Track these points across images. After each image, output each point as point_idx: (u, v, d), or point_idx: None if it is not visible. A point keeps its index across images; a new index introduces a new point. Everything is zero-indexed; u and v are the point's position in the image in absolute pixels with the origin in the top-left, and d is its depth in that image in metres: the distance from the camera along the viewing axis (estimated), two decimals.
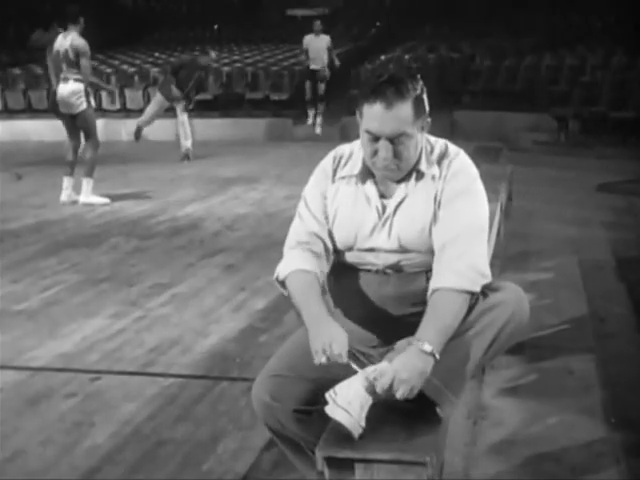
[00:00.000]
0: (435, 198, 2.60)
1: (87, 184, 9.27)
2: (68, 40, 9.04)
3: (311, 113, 16.23)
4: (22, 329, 4.88)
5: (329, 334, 2.42)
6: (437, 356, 2.36)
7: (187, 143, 13.39)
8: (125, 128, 16.30)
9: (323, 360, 2.38)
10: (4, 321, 5.04)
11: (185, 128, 13.36)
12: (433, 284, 2.53)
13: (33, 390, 3.96)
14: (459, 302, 2.48)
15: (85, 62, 9.05)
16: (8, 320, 5.06)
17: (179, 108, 13.32)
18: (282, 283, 2.71)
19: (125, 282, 5.90)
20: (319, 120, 16.05)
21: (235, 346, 4.51)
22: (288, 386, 2.55)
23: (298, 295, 2.61)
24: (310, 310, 2.54)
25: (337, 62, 15.86)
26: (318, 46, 15.60)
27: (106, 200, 9.30)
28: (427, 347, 2.35)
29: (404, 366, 2.32)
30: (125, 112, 18.15)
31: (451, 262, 2.53)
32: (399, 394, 2.30)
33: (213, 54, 15.76)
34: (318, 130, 15.89)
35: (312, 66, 15.70)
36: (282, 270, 2.70)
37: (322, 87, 15.89)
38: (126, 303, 5.37)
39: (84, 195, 9.24)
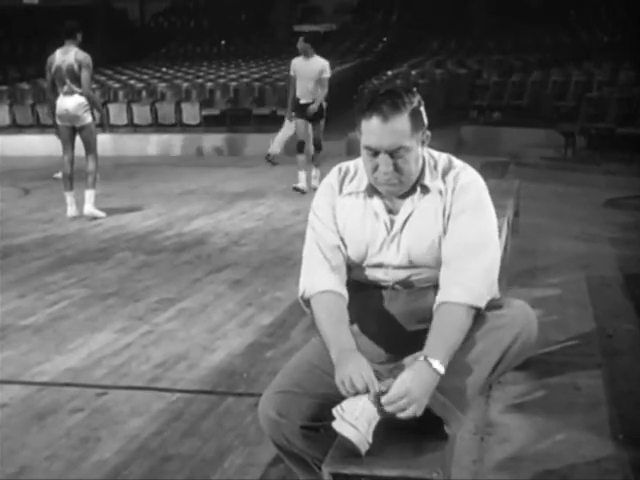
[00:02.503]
0: (444, 212, 2.60)
1: (90, 196, 9.29)
2: (71, 54, 9.07)
3: (302, 167, 11.21)
4: (29, 344, 4.89)
5: (357, 365, 2.40)
6: (443, 372, 2.36)
7: (277, 149, 14.15)
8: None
9: (352, 390, 2.36)
10: (11, 336, 5.05)
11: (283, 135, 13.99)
12: (439, 297, 2.53)
13: (40, 405, 3.95)
14: (464, 317, 2.48)
15: (86, 74, 9.06)
16: (15, 335, 5.06)
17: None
18: (306, 301, 2.68)
19: (132, 297, 5.90)
20: (315, 172, 11.24)
21: (241, 362, 4.50)
22: (295, 402, 2.54)
23: (326, 322, 2.57)
24: (339, 341, 2.51)
25: (323, 101, 11.10)
26: (307, 72, 10.97)
27: (103, 214, 9.34)
28: (435, 363, 2.35)
29: (412, 382, 2.32)
30: (132, 127, 18.22)
31: (457, 276, 2.52)
32: (408, 411, 2.29)
33: None
34: (315, 183, 10.89)
35: (301, 100, 11.10)
36: (308, 289, 2.66)
37: (316, 128, 11.29)
38: (133, 318, 5.38)
39: (88, 206, 9.25)
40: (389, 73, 19.53)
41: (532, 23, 22.64)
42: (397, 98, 2.52)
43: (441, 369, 2.35)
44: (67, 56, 9.09)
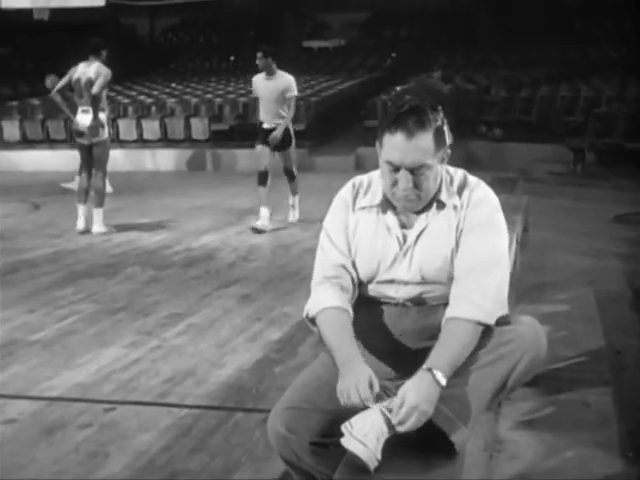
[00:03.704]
0: (457, 227, 2.60)
1: (98, 214, 9.33)
2: (92, 68, 9.13)
3: (265, 202, 9.52)
4: (38, 359, 4.89)
5: (357, 376, 2.41)
6: (444, 384, 2.37)
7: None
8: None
9: (349, 402, 2.37)
10: (20, 351, 5.05)
11: None
12: (448, 313, 2.53)
13: (48, 420, 3.96)
14: (471, 332, 2.48)
15: (101, 80, 9.08)
16: (24, 350, 5.07)
17: None
18: (312, 320, 2.70)
19: (141, 312, 5.91)
20: (293, 201, 10.15)
21: (250, 377, 4.50)
22: (304, 418, 2.54)
23: (330, 335, 2.59)
24: (342, 352, 2.52)
25: (290, 124, 9.62)
26: (269, 92, 9.42)
27: (112, 229, 9.37)
28: (438, 374, 2.36)
29: (420, 397, 2.32)
30: (142, 142, 18.28)
31: (467, 292, 2.53)
32: (411, 422, 2.30)
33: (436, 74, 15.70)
34: (293, 215, 10.04)
35: (264, 124, 9.54)
36: (312, 308, 2.68)
37: (285, 156, 9.78)
38: (142, 333, 5.38)
39: (96, 226, 9.29)
40: (398, 88, 19.55)
41: (540, 38, 22.68)
42: (423, 115, 2.51)
43: (443, 381, 2.36)
44: (88, 69, 9.17)
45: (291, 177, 10.01)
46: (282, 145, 9.57)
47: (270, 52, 9.42)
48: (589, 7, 23.82)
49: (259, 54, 9.38)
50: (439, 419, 2.37)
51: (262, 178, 9.49)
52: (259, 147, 9.57)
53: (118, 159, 14.50)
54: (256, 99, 9.83)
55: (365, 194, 2.73)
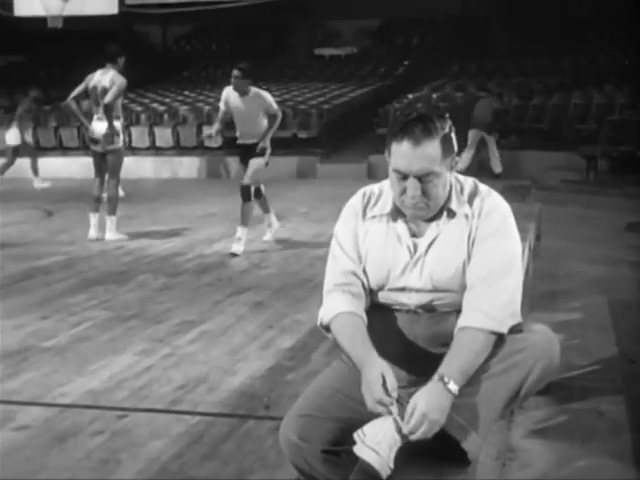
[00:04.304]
0: (469, 237, 2.60)
1: (111, 222, 9.37)
2: (107, 76, 9.16)
3: (242, 230, 8.53)
4: (51, 365, 4.90)
5: (375, 374, 2.42)
6: (456, 392, 2.37)
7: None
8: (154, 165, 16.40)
9: (373, 402, 2.37)
10: (33, 357, 5.07)
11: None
12: (460, 322, 2.54)
13: (61, 427, 3.96)
14: (483, 341, 2.48)
15: (115, 89, 9.11)
16: (37, 356, 5.09)
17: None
18: (326, 328, 2.70)
19: (153, 319, 5.92)
20: (272, 222, 9.30)
21: (262, 384, 4.50)
22: (316, 426, 2.55)
23: (346, 340, 2.60)
24: (357, 353, 2.53)
25: (267, 144, 8.72)
26: (246, 113, 8.61)
27: (124, 236, 9.40)
28: (449, 383, 2.36)
29: (431, 405, 2.32)
30: (154, 150, 18.33)
31: (479, 301, 2.53)
32: (427, 433, 2.30)
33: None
34: (269, 234, 9.26)
35: (240, 139, 8.83)
36: (325, 315, 2.69)
37: (249, 168, 8.65)
38: (154, 340, 5.39)
39: (109, 233, 9.33)
40: (410, 96, 19.57)
41: (552, 46, 22.66)
42: (430, 123, 2.53)
43: (455, 389, 2.36)
44: (104, 77, 9.20)
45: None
46: (251, 154, 8.60)
47: (249, 73, 8.56)
48: (601, 15, 23.79)
49: (236, 72, 8.45)
50: (451, 427, 2.37)
51: (246, 193, 8.62)
52: (240, 167, 8.94)
53: (130, 166, 14.52)
54: (223, 112, 8.93)
55: (376, 203, 2.73)
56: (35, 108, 16.75)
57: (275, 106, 8.79)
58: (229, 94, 8.70)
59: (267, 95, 8.81)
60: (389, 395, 2.37)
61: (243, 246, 8.43)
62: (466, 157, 14.57)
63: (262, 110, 8.63)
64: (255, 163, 8.61)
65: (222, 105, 8.89)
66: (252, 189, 8.58)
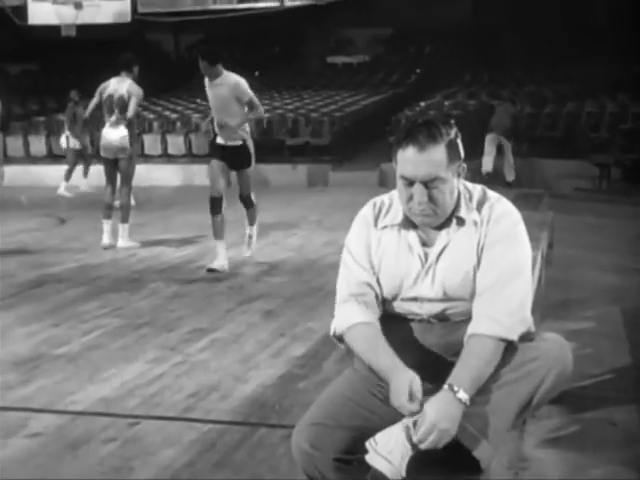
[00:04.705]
0: (478, 243, 2.60)
1: (123, 230, 9.39)
2: (124, 85, 9.20)
3: (219, 235, 8.01)
4: (62, 373, 4.91)
5: (407, 382, 2.42)
6: (467, 401, 2.36)
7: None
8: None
9: (406, 412, 2.38)
10: (45, 365, 5.08)
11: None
12: (470, 329, 2.53)
13: (73, 434, 3.97)
14: (492, 349, 2.48)
15: (134, 101, 9.17)
16: (49, 364, 5.09)
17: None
18: (339, 338, 2.70)
19: (165, 327, 5.92)
20: (251, 232, 8.55)
21: (274, 393, 4.49)
22: (328, 434, 2.54)
23: (366, 350, 2.60)
24: (384, 363, 2.53)
25: (248, 138, 7.97)
26: (216, 100, 7.79)
27: (136, 244, 9.43)
28: (460, 392, 2.35)
29: (441, 414, 2.32)
30: (167, 157, 18.37)
31: (488, 308, 2.52)
32: (434, 440, 2.29)
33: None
34: (247, 251, 8.52)
35: (219, 139, 7.90)
36: (339, 325, 2.68)
37: (242, 178, 8.18)
38: (166, 348, 5.39)
39: (121, 240, 9.35)
40: (422, 104, 19.58)
41: (565, 55, 22.62)
42: (434, 128, 2.53)
43: (466, 398, 2.36)
44: (120, 86, 9.22)
45: (248, 204, 8.34)
46: (239, 162, 7.94)
47: (208, 54, 7.65)
48: (614, 24, 23.74)
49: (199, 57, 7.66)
50: (463, 436, 2.36)
51: (216, 205, 7.88)
52: (214, 165, 7.94)
53: (143, 174, 14.57)
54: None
55: (387, 213, 2.73)
56: (81, 111, 16.65)
57: (249, 94, 7.70)
58: (206, 83, 7.90)
59: (240, 80, 7.69)
60: (415, 401, 2.38)
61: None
62: (488, 161, 14.57)
63: (233, 97, 7.61)
64: (247, 174, 8.15)
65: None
66: (253, 195, 8.37)
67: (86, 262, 8.63)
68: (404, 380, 2.43)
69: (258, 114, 8.00)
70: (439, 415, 2.31)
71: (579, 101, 17.98)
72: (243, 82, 7.68)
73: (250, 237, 8.51)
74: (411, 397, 2.39)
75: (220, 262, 7.86)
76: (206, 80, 7.80)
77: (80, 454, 3.74)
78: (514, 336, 2.52)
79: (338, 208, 12.09)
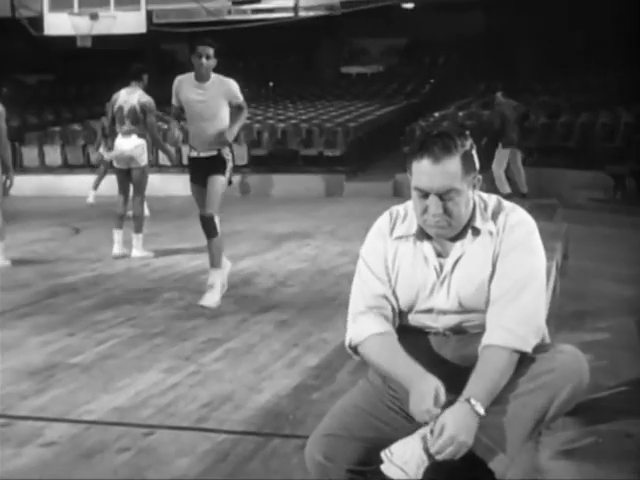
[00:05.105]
0: (493, 253, 2.59)
1: (137, 239, 9.42)
2: (135, 96, 9.26)
3: (215, 273, 6.86)
4: (77, 382, 4.92)
5: (432, 388, 2.42)
6: (483, 413, 2.36)
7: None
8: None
9: (425, 415, 2.37)
10: (60, 374, 5.09)
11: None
12: (484, 340, 2.52)
13: (87, 444, 3.97)
14: (506, 360, 2.47)
15: (152, 119, 9.27)
16: (64, 373, 5.11)
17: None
18: (354, 349, 2.69)
19: (179, 337, 5.93)
20: (211, 285, 6.78)
21: (288, 403, 4.49)
22: (342, 446, 2.54)
23: (385, 360, 2.58)
24: (405, 372, 2.52)
25: (228, 154, 6.80)
26: (203, 106, 6.71)
27: (150, 254, 9.44)
28: (478, 407, 2.35)
29: (459, 426, 2.31)
30: (180, 168, 18.40)
31: (501, 317, 2.52)
32: (454, 454, 2.29)
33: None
34: (211, 303, 6.65)
35: (196, 150, 6.82)
36: (355, 336, 2.67)
37: (208, 190, 6.68)
38: (180, 358, 5.40)
39: (135, 250, 9.38)
40: (436, 115, 19.57)
41: (579, 66, 22.58)
42: (449, 140, 2.53)
43: (481, 410, 2.35)
44: (131, 97, 9.29)
45: (210, 230, 6.70)
46: (210, 170, 6.68)
47: (214, 46, 6.79)
48: (629, 34, 23.69)
49: (209, 49, 6.70)
50: (478, 448, 2.35)
51: (208, 225, 6.81)
52: (193, 190, 6.95)
53: (157, 184, 14.61)
54: (177, 110, 6.97)
55: (402, 224, 2.73)
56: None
57: (241, 96, 6.87)
58: (182, 82, 6.83)
59: (233, 82, 6.89)
60: (439, 407, 2.37)
61: (220, 294, 6.74)
62: (499, 181, 14.33)
63: (226, 101, 6.74)
64: (216, 183, 6.66)
65: (174, 100, 6.88)
66: (217, 219, 6.72)
67: (100, 272, 8.66)
68: (429, 385, 2.42)
69: (243, 116, 6.96)
70: (457, 427, 2.31)
71: (594, 111, 17.94)
72: (235, 83, 6.90)
73: (212, 287, 6.69)
74: (436, 402, 2.38)
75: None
76: (185, 81, 6.77)
77: (94, 463, 3.75)
78: (528, 348, 2.51)
79: (352, 218, 12.10)
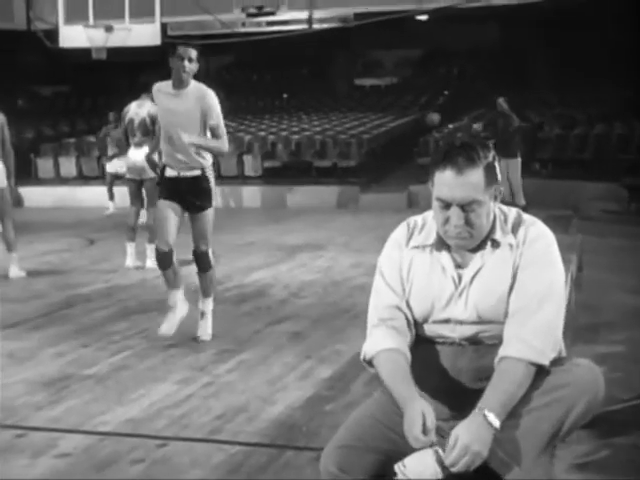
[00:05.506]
0: (513, 265, 2.59)
1: (151, 250, 9.40)
2: (144, 109, 9.31)
3: (174, 298, 6.12)
4: (91, 394, 4.94)
5: (418, 414, 2.40)
6: (498, 425, 2.35)
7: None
8: None
9: (418, 444, 2.36)
10: (74, 385, 5.10)
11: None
12: (501, 352, 2.52)
13: (101, 455, 3.98)
14: (523, 373, 2.47)
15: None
16: (78, 384, 5.12)
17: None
18: (369, 362, 2.70)
19: (192, 348, 5.94)
20: (203, 312, 6.21)
21: (301, 415, 4.49)
22: (356, 457, 2.53)
23: (387, 377, 2.60)
24: (400, 392, 2.53)
25: (209, 170, 5.99)
26: (179, 116, 5.81)
27: None
28: (490, 416, 2.34)
29: (473, 437, 2.31)
30: None
31: (519, 329, 2.51)
32: (469, 465, 2.28)
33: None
34: (206, 337, 6.13)
35: (169, 171, 5.93)
36: (368, 350, 2.69)
37: (199, 223, 6.05)
38: (193, 369, 5.40)
39: (149, 261, 9.39)
40: (450, 126, 19.56)
41: (594, 76, 22.54)
42: (472, 151, 2.53)
43: (496, 422, 2.35)
44: (141, 109, 9.35)
45: (204, 265, 6.17)
46: (196, 201, 5.92)
47: (194, 51, 5.90)
48: None
49: (192, 51, 5.86)
50: (494, 461, 2.35)
51: (165, 260, 6.02)
52: (162, 207, 5.93)
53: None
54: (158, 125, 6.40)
55: (419, 234, 2.73)
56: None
57: (219, 118, 5.95)
58: (159, 90, 5.98)
59: (214, 96, 5.95)
60: (428, 433, 2.36)
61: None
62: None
63: (201, 114, 5.84)
64: (206, 217, 6.02)
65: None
66: (211, 253, 6.20)
67: (115, 283, 8.68)
68: (416, 410, 2.41)
69: (219, 146, 5.99)
70: (471, 438, 2.30)
71: (608, 123, 17.90)
72: (216, 98, 5.94)
73: (203, 315, 6.17)
74: (424, 429, 2.37)
75: (166, 326, 5.98)
76: (162, 89, 5.95)
77: (108, 474, 3.76)
78: (545, 361, 2.50)
79: (366, 230, 12.10)
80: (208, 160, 5.99)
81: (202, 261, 6.15)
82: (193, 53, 5.84)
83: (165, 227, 5.91)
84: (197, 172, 5.92)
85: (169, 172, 5.94)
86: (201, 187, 5.92)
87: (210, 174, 5.99)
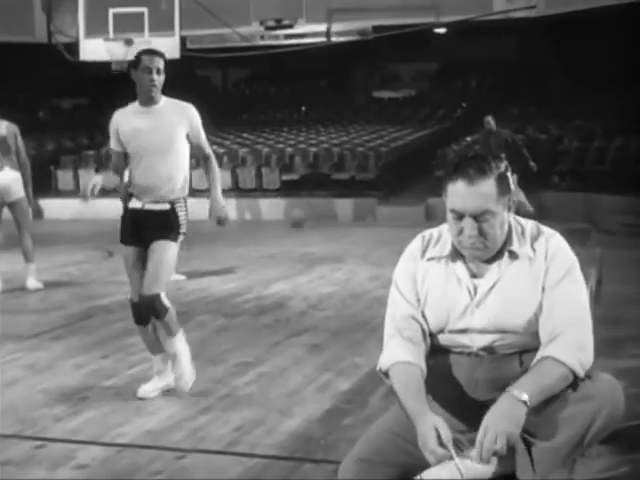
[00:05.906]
0: (536, 279, 2.59)
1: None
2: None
3: (159, 365, 5.15)
4: (110, 405, 4.95)
5: (431, 428, 2.40)
6: (528, 401, 2.34)
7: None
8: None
9: (436, 458, 2.36)
10: (93, 397, 5.12)
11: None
12: (547, 351, 2.51)
13: (119, 467, 3.99)
14: (562, 374, 2.47)
15: None
16: (97, 396, 5.14)
17: None
18: (385, 374, 2.71)
19: (211, 360, 5.95)
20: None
21: (319, 428, 4.48)
22: (374, 471, 2.53)
23: (400, 390, 2.60)
24: (411, 407, 2.53)
25: (182, 201, 5.19)
26: (151, 138, 4.96)
27: (183, 277, 9.47)
28: (521, 395, 2.35)
29: (499, 417, 2.31)
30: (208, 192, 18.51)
31: (564, 342, 2.52)
32: (498, 446, 2.28)
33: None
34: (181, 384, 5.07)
35: (134, 201, 5.14)
36: (384, 362, 2.70)
37: (154, 260, 4.97)
38: (212, 381, 5.41)
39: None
40: (468, 139, 19.54)
41: (610, 90, 22.49)
42: (484, 162, 2.55)
43: (526, 398, 2.34)
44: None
45: (156, 312, 5.02)
46: (158, 232, 5.03)
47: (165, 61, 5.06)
48: None
49: (157, 59, 5.03)
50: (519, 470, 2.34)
51: (137, 315, 5.16)
52: (128, 255, 5.19)
53: (190, 208, 14.71)
54: (117, 155, 5.36)
55: (435, 246, 2.74)
56: None
57: (204, 137, 5.28)
58: (121, 115, 5.19)
59: (193, 108, 5.23)
60: (444, 447, 2.35)
61: (190, 380, 5.10)
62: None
63: (183, 132, 5.09)
64: (166, 251, 5.03)
65: (113, 143, 5.27)
66: (167, 301, 5.09)
67: None
68: (428, 424, 2.40)
69: (217, 169, 5.57)
70: (495, 417, 2.31)
71: (627, 135, 17.83)
72: (195, 110, 5.24)
73: (175, 358, 5.07)
74: (440, 442, 2.36)
75: (155, 387, 5.10)
76: (130, 110, 5.17)
77: None
78: (581, 372, 2.52)
79: (383, 243, 12.09)
80: (183, 192, 5.19)
81: (153, 308, 4.95)
82: (161, 63, 4.98)
83: (135, 277, 5.09)
84: (165, 206, 5.05)
85: (134, 203, 5.13)
86: (166, 223, 5.03)
87: (180, 209, 5.13)
